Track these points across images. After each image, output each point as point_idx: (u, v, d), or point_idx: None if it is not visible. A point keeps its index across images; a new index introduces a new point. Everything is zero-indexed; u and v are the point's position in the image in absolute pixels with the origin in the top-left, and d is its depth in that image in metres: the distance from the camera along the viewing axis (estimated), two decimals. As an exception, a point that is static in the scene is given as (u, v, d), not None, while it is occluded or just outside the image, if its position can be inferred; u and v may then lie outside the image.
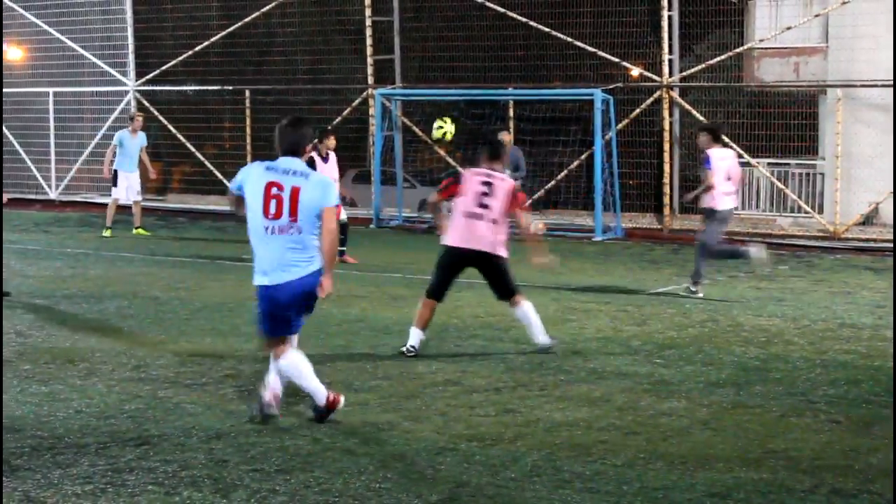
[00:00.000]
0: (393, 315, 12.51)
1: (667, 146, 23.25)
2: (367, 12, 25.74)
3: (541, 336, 10.70)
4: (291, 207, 7.63)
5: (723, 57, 23.40)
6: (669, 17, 23.14)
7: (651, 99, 23.41)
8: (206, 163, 27.98)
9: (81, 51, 29.06)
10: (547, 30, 24.18)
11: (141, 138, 21.69)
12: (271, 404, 7.87)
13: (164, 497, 6.39)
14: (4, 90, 27.81)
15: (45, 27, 29.49)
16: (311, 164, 16.84)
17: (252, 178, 7.78)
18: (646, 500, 6.50)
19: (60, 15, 29.31)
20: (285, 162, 7.80)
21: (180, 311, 12.78)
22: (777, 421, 8.32)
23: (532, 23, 24.31)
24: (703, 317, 12.89)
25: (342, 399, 8.05)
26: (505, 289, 10.71)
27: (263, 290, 7.79)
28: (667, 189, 23.25)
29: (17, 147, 29.68)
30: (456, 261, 10.61)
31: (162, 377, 9.38)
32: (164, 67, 28.35)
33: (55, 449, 7.25)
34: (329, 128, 19.15)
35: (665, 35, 23.12)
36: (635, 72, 24.43)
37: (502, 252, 10.55)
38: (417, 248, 19.64)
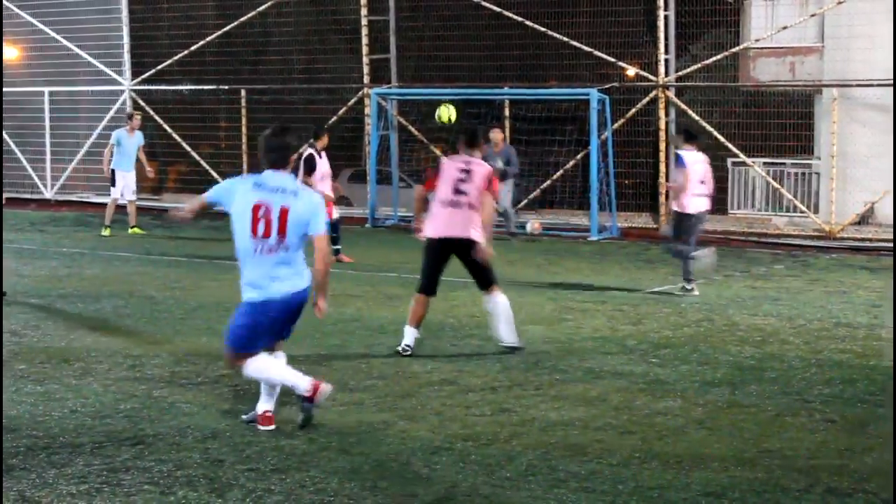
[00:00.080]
0: (388, 314, 12.51)
1: (662, 146, 23.25)
2: (363, 11, 25.74)
3: (509, 335, 10.61)
4: (280, 227, 7.48)
5: (719, 57, 23.42)
6: (665, 17, 23.15)
7: (647, 99, 23.42)
8: (202, 162, 27.96)
9: (77, 50, 29.04)
10: (543, 29, 24.18)
11: (138, 137, 21.70)
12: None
13: (160, 496, 6.39)
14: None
15: (41, 26, 29.46)
16: (312, 160, 16.92)
17: (239, 196, 7.58)
18: (641, 499, 6.50)
19: (56, 14, 29.28)
20: (273, 178, 7.60)
21: (176, 310, 12.77)
22: (772, 420, 8.32)
23: (528, 22, 24.32)
24: (698, 316, 12.90)
25: (326, 386, 7.72)
26: (485, 278, 10.61)
27: (253, 305, 7.60)
28: (662, 189, 23.25)
29: (13, 146, 29.67)
30: (438, 250, 10.53)
31: (157, 377, 9.38)
32: (159, 67, 28.33)
33: (50, 448, 7.24)
34: (325, 126, 19.20)
35: (661, 35, 23.13)
36: (631, 71, 24.44)
37: (482, 237, 10.48)
38: (413, 248, 19.51)
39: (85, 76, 29.47)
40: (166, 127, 28.17)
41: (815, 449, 7.58)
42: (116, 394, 8.76)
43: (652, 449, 7.48)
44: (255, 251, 7.53)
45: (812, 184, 23.78)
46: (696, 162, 14.46)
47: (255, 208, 7.49)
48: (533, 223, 22.55)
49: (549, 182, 24.74)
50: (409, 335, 10.49)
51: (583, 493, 6.56)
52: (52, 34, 29.29)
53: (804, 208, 22.86)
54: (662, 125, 23.32)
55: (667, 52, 23.33)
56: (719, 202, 24.21)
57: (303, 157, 17.33)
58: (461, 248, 10.46)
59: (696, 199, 14.41)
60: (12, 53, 31.04)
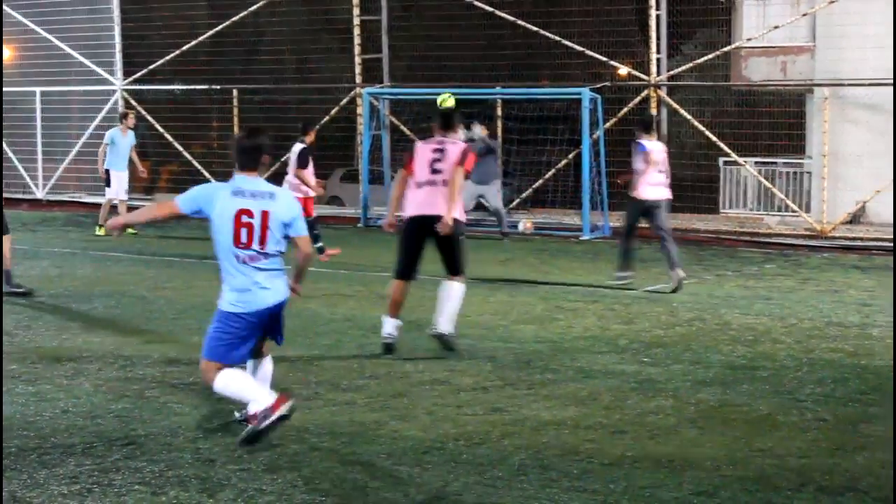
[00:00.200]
0: (381, 314, 12.46)
1: (655, 145, 23.25)
2: (356, 11, 25.72)
3: (446, 323, 10.40)
4: (262, 234, 7.39)
5: (710, 56, 23.45)
6: (657, 17, 23.17)
7: (639, 98, 23.44)
8: (194, 162, 27.94)
9: (69, 50, 28.99)
10: (535, 29, 24.19)
11: (131, 137, 21.70)
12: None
13: (151, 497, 6.38)
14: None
15: (32, 26, 29.41)
16: (305, 155, 17.01)
17: (219, 204, 7.43)
18: (633, 498, 6.50)
19: (47, 14, 29.23)
20: (249, 183, 7.49)
21: (167, 310, 12.75)
22: (764, 419, 8.33)
23: (520, 22, 24.32)
24: (690, 315, 12.90)
25: (284, 405, 7.27)
26: (453, 263, 10.50)
27: (235, 316, 7.45)
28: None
29: (5, 147, 29.59)
30: (414, 230, 10.43)
31: (149, 377, 9.37)
32: (151, 67, 28.29)
33: (41, 449, 7.23)
34: (314, 124, 19.28)
35: (653, 34, 23.15)
36: (623, 71, 24.46)
37: (458, 216, 10.39)
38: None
39: (76, 76, 29.43)
40: (158, 127, 28.13)
41: (807, 448, 7.58)
42: (108, 394, 8.75)
43: (644, 448, 7.48)
44: (238, 259, 7.41)
45: (804, 183, 23.81)
46: (655, 150, 14.67)
47: (238, 216, 7.39)
48: (525, 222, 22.57)
49: (541, 181, 24.74)
50: (389, 325, 10.39)
51: (575, 493, 6.56)
52: (44, 34, 29.24)
53: (796, 207, 22.89)
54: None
55: (658, 51, 23.34)
56: (711, 201, 24.31)
57: (296, 152, 17.38)
58: (434, 227, 10.33)
59: (653, 188, 14.63)
60: (4, 53, 30.97)
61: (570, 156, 23.98)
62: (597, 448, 7.46)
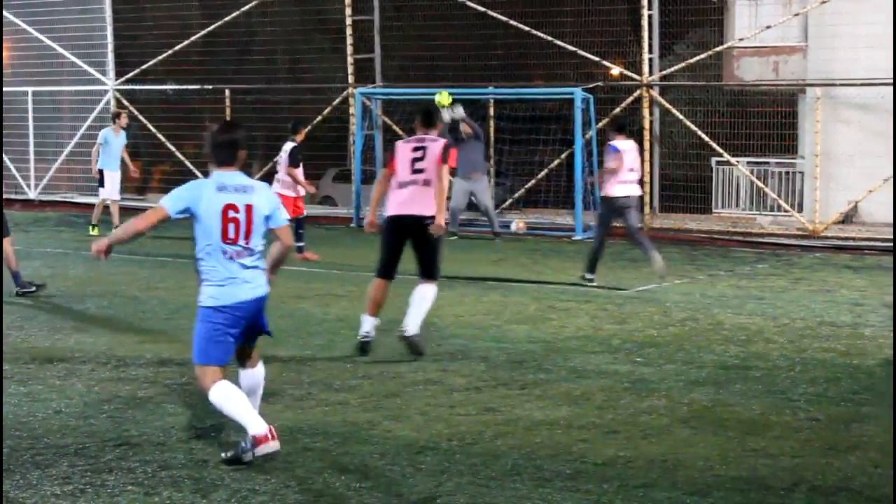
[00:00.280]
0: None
1: (647, 145, 23.25)
2: (348, 11, 25.69)
3: (413, 325, 10.28)
4: (247, 229, 7.33)
5: (702, 56, 23.45)
6: (649, 17, 23.17)
7: (631, 98, 23.43)
8: (186, 162, 27.89)
9: (60, 50, 28.93)
10: (527, 29, 24.17)
11: (123, 136, 21.71)
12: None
13: (144, 497, 6.38)
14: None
15: (24, 26, 29.34)
16: (297, 153, 17.04)
17: (205, 201, 7.32)
18: (626, 498, 6.51)
19: (39, 14, 29.17)
20: (231, 178, 7.41)
21: (160, 310, 12.74)
22: (757, 419, 8.34)
23: (512, 22, 24.30)
24: (683, 315, 12.91)
25: (273, 444, 7.00)
26: (429, 266, 10.41)
27: (219, 310, 7.34)
28: (647, 188, 23.26)
29: (-3, 147, 29.55)
30: (395, 230, 10.39)
31: (142, 377, 9.36)
32: (143, 67, 28.23)
33: (34, 449, 7.23)
34: (306, 124, 19.33)
35: (645, 34, 23.15)
36: (615, 71, 24.46)
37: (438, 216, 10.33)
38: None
39: (68, 76, 29.36)
40: (150, 127, 28.07)
41: (800, 447, 7.60)
42: (100, 394, 8.74)
43: (637, 448, 7.49)
44: (226, 255, 7.33)
45: (796, 183, 23.82)
46: (627, 150, 15.00)
47: (224, 212, 7.31)
48: (517, 222, 22.55)
49: (533, 181, 24.74)
50: (367, 323, 10.36)
51: (568, 493, 6.56)
52: (36, 34, 29.17)
53: (788, 207, 22.90)
54: (647, 124, 23.34)
55: (651, 51, 23.35)
56: (703, 201, 24.32)
57: (287, 150, 17.38)
58: (416, 228, 10.28)
59: (623, 185, 14.92)
60: (-4, 54, 30.95)
61: (563, 156, 23.98)
62: (590, 448, 7.47)
